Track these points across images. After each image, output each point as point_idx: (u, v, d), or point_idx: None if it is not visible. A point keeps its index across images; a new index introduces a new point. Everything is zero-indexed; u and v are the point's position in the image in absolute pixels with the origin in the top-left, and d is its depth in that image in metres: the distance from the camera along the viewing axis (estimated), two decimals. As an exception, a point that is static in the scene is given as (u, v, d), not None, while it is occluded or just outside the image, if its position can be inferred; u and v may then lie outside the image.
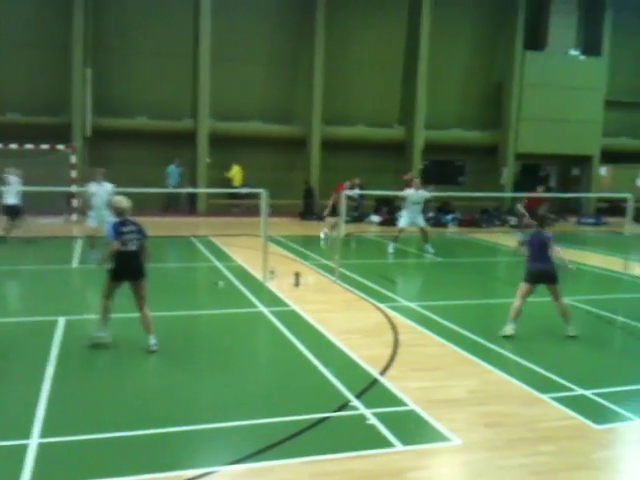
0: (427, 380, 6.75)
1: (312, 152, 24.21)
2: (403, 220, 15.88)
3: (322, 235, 17.53)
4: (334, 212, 15.78)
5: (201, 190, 22.69)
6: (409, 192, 15.84)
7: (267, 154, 24.42)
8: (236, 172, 23.59)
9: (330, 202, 16.96)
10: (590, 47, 26.01)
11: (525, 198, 19.05)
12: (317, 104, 23.98)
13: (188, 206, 23.82)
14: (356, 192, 20.94)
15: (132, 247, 7.38)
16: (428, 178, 21.74)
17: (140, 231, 7.48)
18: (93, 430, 5.34)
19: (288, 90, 24.48)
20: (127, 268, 7.40)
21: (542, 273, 8.44)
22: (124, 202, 7.57)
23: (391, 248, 15.82)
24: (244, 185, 22.88)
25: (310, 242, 18.07)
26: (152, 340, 7.43)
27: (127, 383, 6.57)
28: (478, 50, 25.67)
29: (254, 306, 9.85)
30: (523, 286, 8.57)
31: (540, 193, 19.27)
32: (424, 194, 15.81)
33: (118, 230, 7.35)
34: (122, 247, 7.31)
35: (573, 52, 25.32)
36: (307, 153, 24.47)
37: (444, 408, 6.00)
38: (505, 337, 8.37)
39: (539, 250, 8.48)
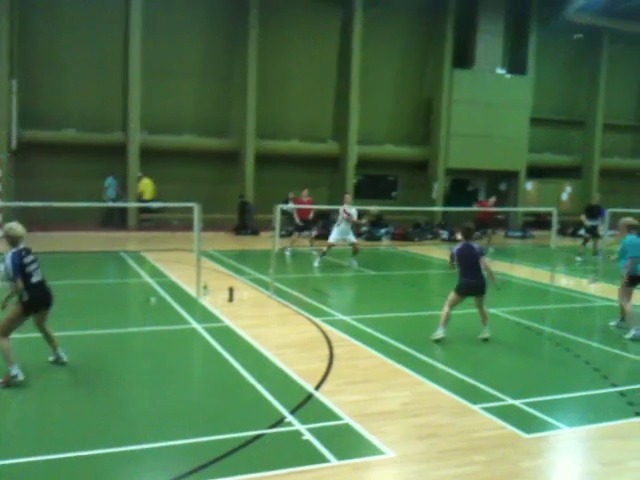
0: (361, 393, 6.77)
1: (246, 166, 24.11)
2: (333, 236, 16.03)
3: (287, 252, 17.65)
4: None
5: (114, 205, 21.97)
6: (345, 207, 16.08)
7: (201, 168, 24.17)
8: (146, 185, 22.91)
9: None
10: (516, 66, 26.94)
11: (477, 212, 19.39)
12: (251, 118, 23.93)
13: (120, 221, 23.30)
14: (290, 206, 20.96)
15: (38, 277, 6.87)
16: (362, 193, 22.04)
17: (37, 259, 6.94)
18: (21, 453, 5.11)
19: (222, 103, 24.35)
20: (41, 299, 6.94)
21: (474, 287, 8.92)
22: (19, 229, 6.85)
23: (317, 262, 15.92)
24: (154, 199, 22.40)
25: (245, 257, 17.96)
26: (61, 353, 7.27)
27: (56, 405, 6.32)
28: (408, 67, 26.22)
29: (187, 323, 9.68)
30: (453, 296, 8.99)
31: (491, 207, 19.74)
32: (354, 210, 16.08)
33: (18, 263, 6.63)
34: (29, 280, 6.72)
35: (500, 71, 26.16)
36: (241, 167, 24.36)
37: (378, 421, 6.03)
38: (435, 341, 8.79)
39: (470, 264, 8.85)
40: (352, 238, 16.06)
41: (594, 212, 18.42)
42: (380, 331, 9.41)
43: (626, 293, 9.79)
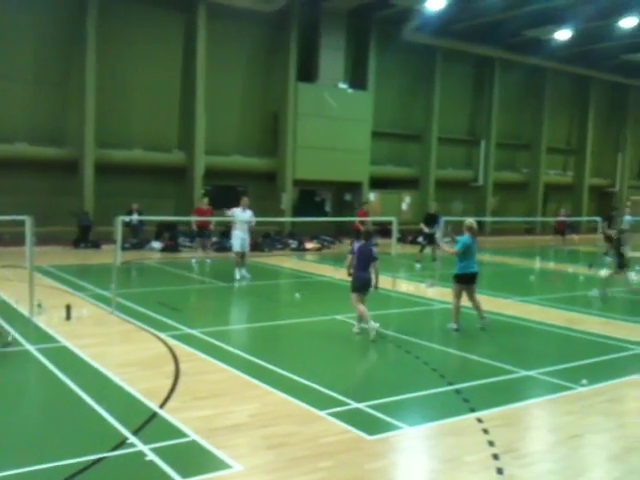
0: (209, 408, 6.62)
1: (85, 176, 22.95)
2: (236, 243, 15.67)
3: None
4: None
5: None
6: (236, 211, 15.72)
7: (35, 178, 22.69)
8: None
9: None
10: (357, 81, 27.97)
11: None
12: (90, 126, 22.83)
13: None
14: (136, 218, 20.32)
15: None
16: (211, 203, 21.64)
17: None
18: None
19: (58, 110, 23.04)
20: None
21: (367, 282, 9.89)
22: None
23: (237, 274, 15.59)
24: None
25: (84, 272, 17.06)
26: None
27: None
28: (254, 79, 26.35)
29: (19, 344, 8.98)
30: (354, 296, 9.87)
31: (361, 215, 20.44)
32: (250, 213, 15.84)
33: None
34: None
35: (342, 85, 27.03)
36: (80, 177, 23.15)
37: (226, 435, 5.92)
38: (356, 333, 10.00)
39: (365, 261, 9.81)
40: (247, 246, 15.87)
41: (431, 220, 19.46)
42: (229, 343, 9.30)
43: (456, 290, 10.55)
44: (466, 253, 10.43)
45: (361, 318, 9.89)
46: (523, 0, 25.17)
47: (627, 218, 26.21)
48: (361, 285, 9.91)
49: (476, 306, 10.74)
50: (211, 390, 7.22)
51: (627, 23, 26.68)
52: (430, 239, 19.49)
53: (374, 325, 9.71)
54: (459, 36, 29.63)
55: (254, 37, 25.95)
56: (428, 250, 19.90)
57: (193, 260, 18.95)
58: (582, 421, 6.65)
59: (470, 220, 11.03)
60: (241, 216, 15.61)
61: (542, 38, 29.73)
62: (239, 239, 15.63)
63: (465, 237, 10.53)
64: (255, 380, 7.57)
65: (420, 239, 20.29)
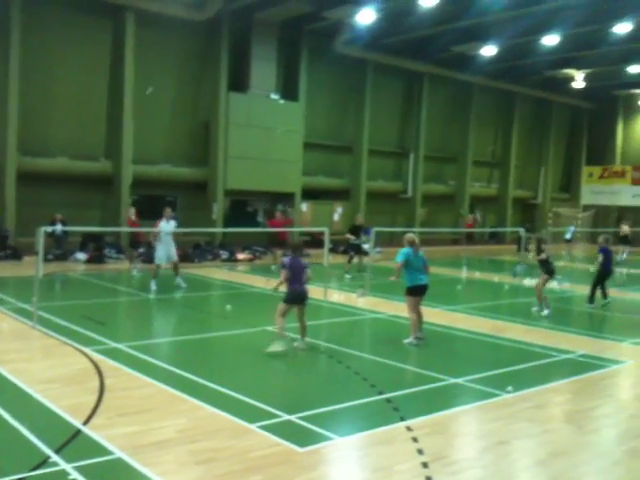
0: (135, 424, 6.43)
1: (6, 184, 22.02)
2: (160, 255, 15.36)
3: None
4: None
5: None
6: (161, 224, 15.44)
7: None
8: None
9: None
10: (289, 92, 28.03)
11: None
12: (12, 132, 21.94)
13: None
14: (60, 228, 19.67)
15: None
16: (140, 214, 21.20)
17: None
18: None
19: (-23, 117, 22.08)
20: None
21: (301, 294, 9.69)
22: None
23: (154, 285, 15.28)
24: None
25: (4, 284, 16.36)
26: None
27: None
28: (185, 88, 26.01)
29: None
30: (283, 306, 9.63)
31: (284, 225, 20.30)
32: (174, 224, 15.69)
33: None
34: None
35: (274, 96, 27.02)
36: (0, 185, 22.22)
37: (153, 452, 5.76)
38: (271, 353, 9.28)
39: (298, 274, 9.63)
40: (175, 256, 15.65)
41: (357, 231, 19.58)
42: (157, 357, 9.08)
43: (410, 303, 10.57)
44: (412, 266, 10.43)
45: (282, 330, 9.56)
46: (451, 16, 25.84)
47: (572, 229, 27.47)
48: (295, 298, 9.71)
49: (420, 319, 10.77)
50: (137, 406, 7.02)
51: (549, 40, 27.75)
52: (357, 249, 19.60)
53: (278, 346, 9.39)
54: (390, 50, 30.16)
55: (184, 45, 25.65)
56: (357, 260, 20.03)
57: (134, 271, 18.66)
58: (508, 427, 6.80)
59: (410, 234, 11.15)
60: (166, 228, 15.41)
61: (469, 54, 30.59)
62: (164, 251, 15.42)
63: (406, 249, 10.54)
64: (183, 394, 7.41)
65: (349, 250, 20.30)
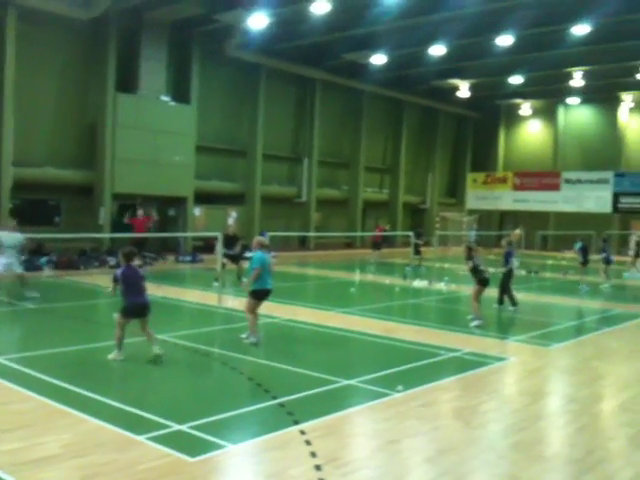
0: (15, 441, 6.04)
1: None
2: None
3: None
4: None
5: None
6: (2, 234, 14.57)
7: None
8: None
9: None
10: (180, 94, 27.47)
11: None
12: None
13: None
14: None
15: None
16: (21, 218, 20.09)
17: None
18: None
19: None
20: None
21: (140, 306, 8.98)
22: None
23: (29, 293, 14.50)
24: None
25: None
26: None
27: None
28: (70, 88, 24.90)
29: None
30: (120, 319, 8.97)
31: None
32: (18, 236, 14.74)
33: None
34: None
35: (164, 98, 26.40)
36: None
37: (35, 469, 5.44)
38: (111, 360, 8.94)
39: (135, 285, 8.93)
40: (18, 268, 14.80)
41: (230, 242, 18.99)
42: (39, 370, 8.58)
43: (252, 306, 10.52)
44: (264, 269, 10.37)
45: (120, 342, 9.10)
46: (343, 25, 26.29)
47: (472, 233, 28.49)
48: (135, 311, 9.00)
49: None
50: (17, 421, 6.60)
51: (436, 51, 28.79)
52: (233, 259, 19.04)
53: (117, 355, 9.05)
54: (283, 56, 30.26)
55: (70, 44, 24.58)
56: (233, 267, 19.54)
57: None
58: (399, 426, 6.94)
59: (260, 237, 11.18)
60: (7, 240, 14.59)
61: (360, 62, 31.24)
62: (2, 265, 14.53)
63: (258, 254, 10.47)
64: (66, 408, 7.04)
65: (224, 260, 19.56)
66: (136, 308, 8.97)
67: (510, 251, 15.38)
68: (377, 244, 28.05)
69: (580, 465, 6.03)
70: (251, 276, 10.38)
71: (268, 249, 10.74)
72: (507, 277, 15.36)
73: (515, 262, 14.23)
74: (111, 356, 9.05)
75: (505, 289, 15.39)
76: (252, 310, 10.53)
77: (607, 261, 20.70)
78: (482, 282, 13.27)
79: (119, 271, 9.06)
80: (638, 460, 6.23)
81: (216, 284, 18.59)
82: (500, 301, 15.50)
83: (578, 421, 7.42)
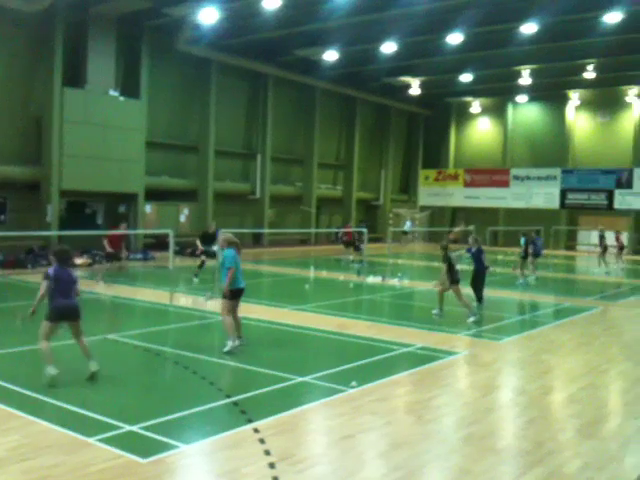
0: (-44, 447, 5.84)
1: None
2: None
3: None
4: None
5: None
6: None
7: None
8: None
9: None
10: (129, 89, 26.95)
11: (106, 236, 18.18)
12: None
13: None
14: None
15: None
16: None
17: None
18: None
19: None
20: None
21: (68, 309, 8.16)
22: None
23: None
24: None
25: None
26: None
27: None
28: (15, 82, 24.17)
29: None
30: (46, 326, 8.12)
31: (122, 230, 19.00)
32: None
33: None
34: None
35: (113, 92, 25.87)
36: None
37: (-23, 476, 5.25)
38: (50, 380, 7.85)
39: (65, 287, 8.17)
40: None
41: (208, 239, 18.86)
42: (-18, 371, 8.32)
43: (227, 307, 10.06)
44: (236, 268, 10.05)
45: (49, 356, 8.07)
46: (295, 20, 26.21)
47: (408, 223, 28.81)
48: (62, 315, 8.15)
49: (238, 323, 10.32)
50: (-41, 426, 6.39)
51: (388, 48, 28.96)
52: (213, 257, 18.89)
53: (51, 372, 7.88)
54: (234, 51, 30.01)
55: (16, 37, 23.84)
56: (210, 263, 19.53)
57: None
58: (353, 422, 6.95)
59: (227, 234, 10.80)
60: None
61: (312, 58, 31.23)
62: None
63: (230, 252, 10.15)
64: (14, 410, 6.85)
65: (202, 256, 19.46)
66: (64, 311, 8.13)
67: (480, 248, 15.36)
68: (351, 243, 27.14)
69: (530, 457, 6.15)
70: (227, 276, 9.91)
71: (237, 246, 10.42)
72: (479, 274, 15.31)
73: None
74: (47, 373, 7.91)
75: (477, 286, 15.36)
76: (228, 311, 10.05)
77: (535, 254, 21.17)
78: (455, 282, 13.36)
79: (51, 269, 8.26)
80: (586, 451, 6.38)
81: (196, 280, 18.43)
82: (479, 299, 15.33)
83: (528, 413, 7.57)
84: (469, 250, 15.38)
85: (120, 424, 6.53)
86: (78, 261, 22.63)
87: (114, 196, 26.91)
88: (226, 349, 9.83)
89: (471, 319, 13.27)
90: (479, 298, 15.31)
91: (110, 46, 25.65)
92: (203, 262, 18.95)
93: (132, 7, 24.34)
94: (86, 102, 24.85)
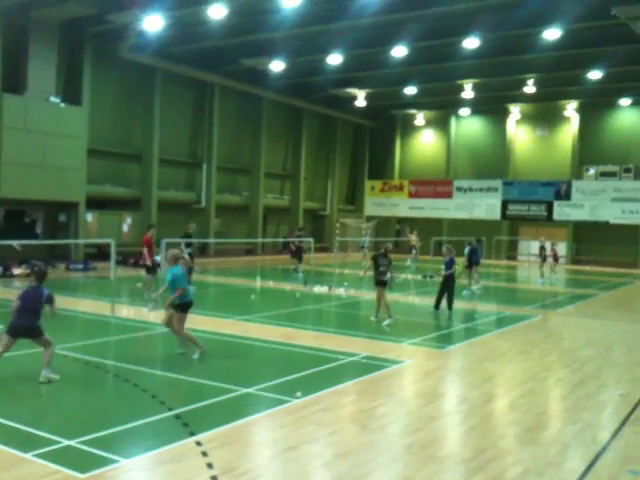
0: None
1: None
2: None
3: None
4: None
5: None
6: None
7: None
8: None
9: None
10: (71, 96, 26.36)
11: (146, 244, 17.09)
12: None
13: None
14: None
15: None
16: None
17: None
18: None
19: None
20: None
21: (21, 329, 8.36)
22: None
23: None
24: None
25: None
26: None
27: None
28: (-50, 86, 23.43)
29: None
30: (6, 337, 8.33)
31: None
32: None
33: None
34: None
35: (54, 99, 25.26)
36: None
37: None
38: None
39: (28, 307, 8.34)
40: None
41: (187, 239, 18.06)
42: None
43: (183, 320, 10.21)
44: (178, 283, 10.10)
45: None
46: (241, 30, 26.14)
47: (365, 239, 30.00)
48: (14, 332, 8.33)
49: (190, 336, 10.44)
50: None
51: (334, 60, 29.18)
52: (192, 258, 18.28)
53: None
54: (179, 59, 29.75)
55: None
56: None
57: None
58: (297, 432, 6.93)
59: (176, 250, 10.92)
60: None
61: (259, 68, 31.20)
62: None
63: (178, 269, 10.17)
64: (-56, 427, 6.57)
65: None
66: (19, 330, 8.33)
67: (452, 257, 16.21)
68: (296, 253, 26.69)
69: (472, 464, 6.24)
70: (177, 293, 9.96)
71: (184, 261, 10.44)
72: (449, 282, 16.06)
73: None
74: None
75: (444, 293, 16.06)
76: (183, 325, 10.18)
77: (476, 262, 21.69)
78: (379, 283, 14.28)
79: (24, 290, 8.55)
80: (527, 457, 6.51)
81: (140, 284, 18.04)
82: (449, 306, 16.03)
83: (470, 421, 7.69)
84: (446, 262, 16.23)
85: (58, 439, 6.34)
86: (16, 271, 22.00)
87: (54, 205, 26.25)
88: (196, 356, 10.11)
89: (386, 322, 14.07)
90: (449, 306, 16.01)
91: (52, 52, 25.06)
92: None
93: (75, 13, 23.84)
94: (26, 108, 24.19)
